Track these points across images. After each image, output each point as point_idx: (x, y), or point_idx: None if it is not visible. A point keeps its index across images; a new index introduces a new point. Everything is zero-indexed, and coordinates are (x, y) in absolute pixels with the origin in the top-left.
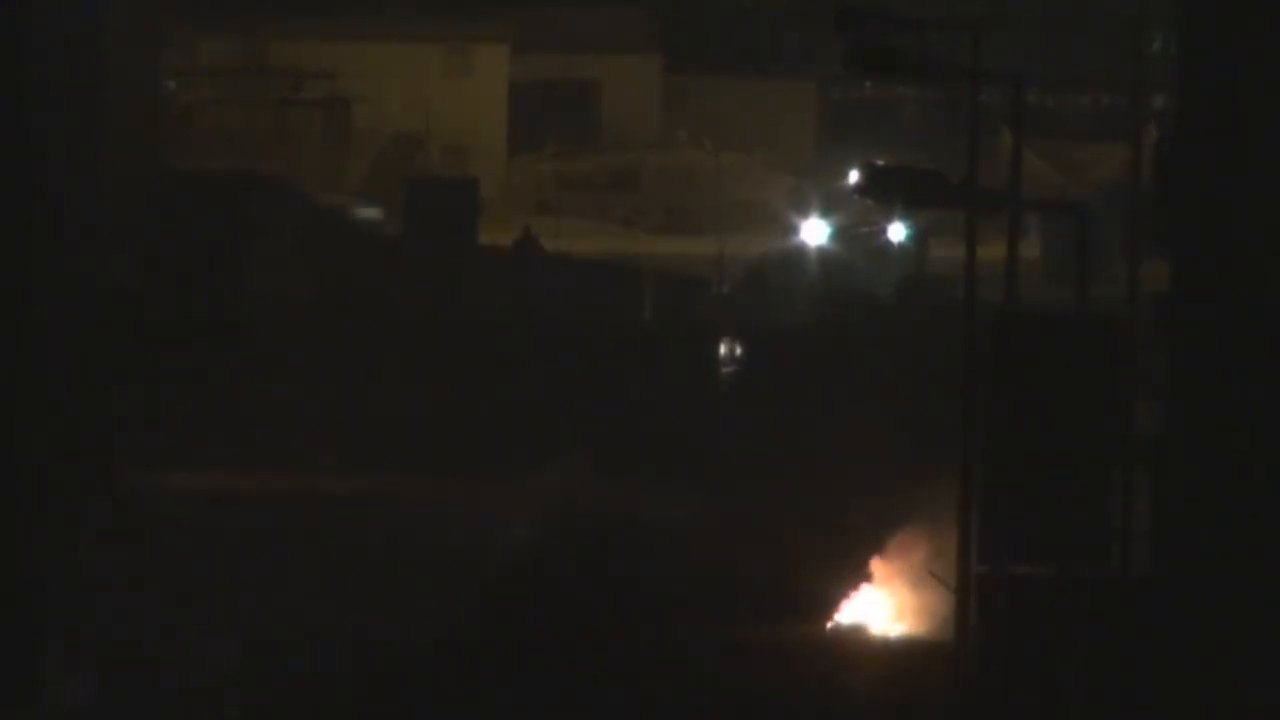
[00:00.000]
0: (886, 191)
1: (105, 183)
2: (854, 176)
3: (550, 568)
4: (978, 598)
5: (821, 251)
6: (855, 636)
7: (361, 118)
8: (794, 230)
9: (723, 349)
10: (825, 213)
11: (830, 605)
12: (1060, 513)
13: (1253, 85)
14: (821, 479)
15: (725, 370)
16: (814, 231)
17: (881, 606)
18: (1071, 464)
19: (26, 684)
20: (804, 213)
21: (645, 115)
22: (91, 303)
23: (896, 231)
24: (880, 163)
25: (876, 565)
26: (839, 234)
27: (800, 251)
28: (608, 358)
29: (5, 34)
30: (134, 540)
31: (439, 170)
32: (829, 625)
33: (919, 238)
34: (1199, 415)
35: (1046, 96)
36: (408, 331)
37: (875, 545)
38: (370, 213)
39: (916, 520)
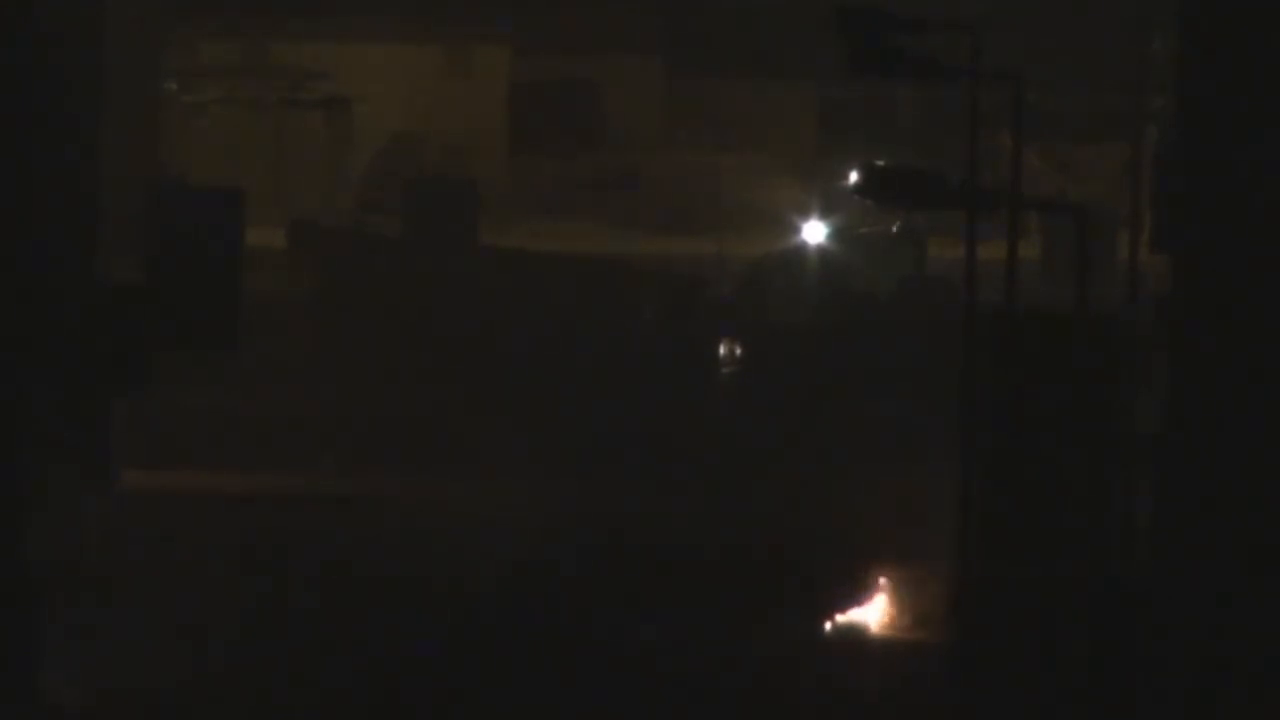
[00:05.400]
0: (886, 191)
1: (105, 183)
2: (854, 176)
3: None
4: (976, 598)
5: (821, 251)
6: (854, 636)
7: (361, 118)
8: (794, 230)
9: (723, 349)
10: (825, 213)
11: (830, 606)
12: (1059, 513)
13: (1253, 85)
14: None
15: (725, 370)
16: (814, 231)
17: (880, 607)
18: (1071, 464)
19: (27, 684)
20: (804, 213)
21: (645, 115)
22: (91, 302)
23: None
24: (880, 163)
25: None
26: (839, 234)
27: (800, 251)
28: (608, 358)
29: (4, 34)
30: (132, 541)
31: (439, 170)
32: (829, 625)
33: (917, 238)
34: (1199, 415)
35: (1046, 96)
36: (408, 331)
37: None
38: None
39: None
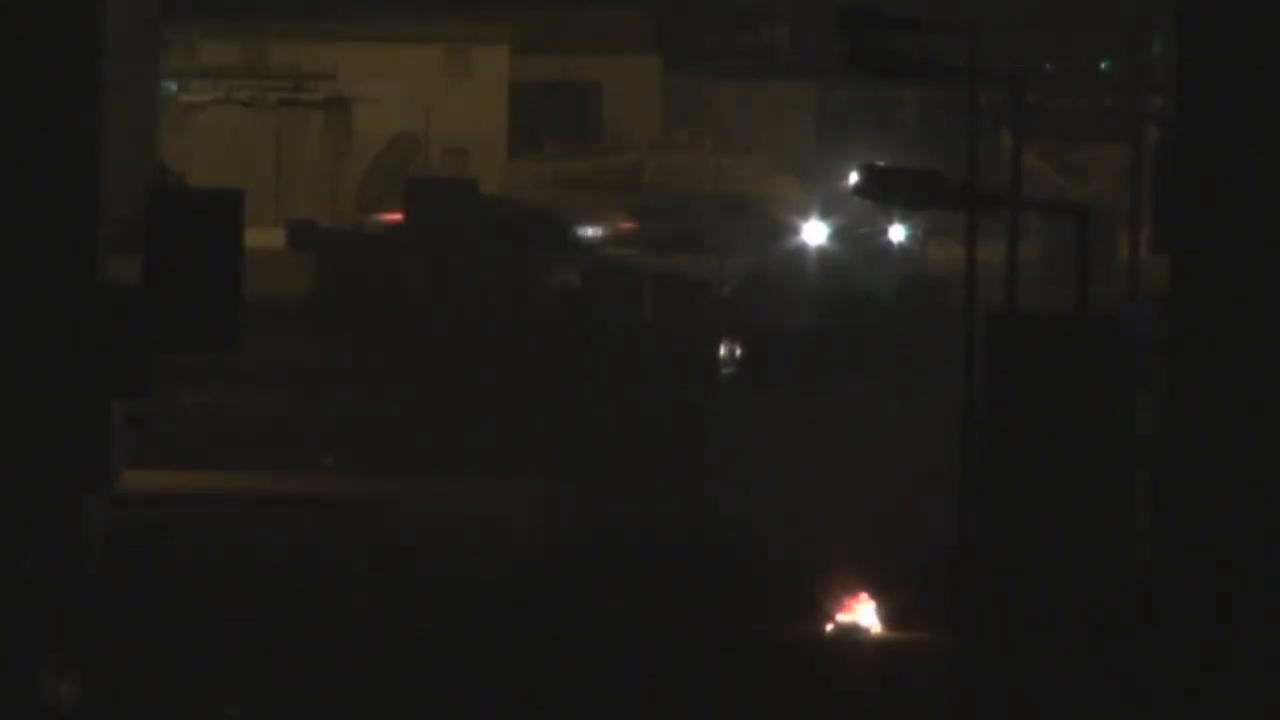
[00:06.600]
0: (886, 192)
1: (105, 183)
2: (854, 177)
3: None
4: (976, 597)
5: (821, 251)
6: (853, 636)
7: (361, 118)
8: (794, 231)
9: (723, 349)
10: (825, 213)
11: (827, 607)
12: (1059, 513)
13: (1252, 85)
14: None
15: (725, 371)
16: (814, 232)
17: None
18: (1071, 464)
19: (27, 684)
20: (804, 214)
21: (645, 115)
22: (91, 303)
23: (897, 232)
24: (880, 163)
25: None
26: (839, 235)
27: (800, 252)
28: (608, 357)
29: (4, 33)
30: (129, 542)
31: (439, 170)
32: (828, 626)
33: (919, 239)
34: (1199, 415)
35: (1046, 96)
36: (408, 331)
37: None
38: None
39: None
